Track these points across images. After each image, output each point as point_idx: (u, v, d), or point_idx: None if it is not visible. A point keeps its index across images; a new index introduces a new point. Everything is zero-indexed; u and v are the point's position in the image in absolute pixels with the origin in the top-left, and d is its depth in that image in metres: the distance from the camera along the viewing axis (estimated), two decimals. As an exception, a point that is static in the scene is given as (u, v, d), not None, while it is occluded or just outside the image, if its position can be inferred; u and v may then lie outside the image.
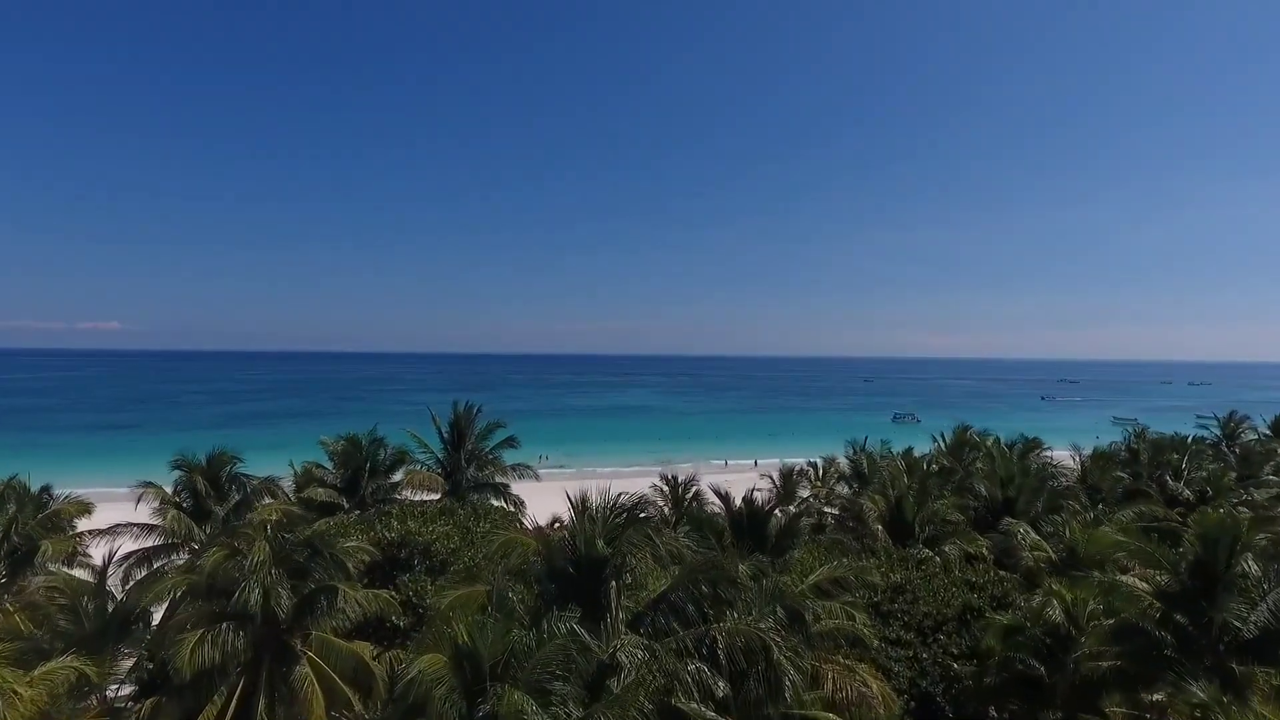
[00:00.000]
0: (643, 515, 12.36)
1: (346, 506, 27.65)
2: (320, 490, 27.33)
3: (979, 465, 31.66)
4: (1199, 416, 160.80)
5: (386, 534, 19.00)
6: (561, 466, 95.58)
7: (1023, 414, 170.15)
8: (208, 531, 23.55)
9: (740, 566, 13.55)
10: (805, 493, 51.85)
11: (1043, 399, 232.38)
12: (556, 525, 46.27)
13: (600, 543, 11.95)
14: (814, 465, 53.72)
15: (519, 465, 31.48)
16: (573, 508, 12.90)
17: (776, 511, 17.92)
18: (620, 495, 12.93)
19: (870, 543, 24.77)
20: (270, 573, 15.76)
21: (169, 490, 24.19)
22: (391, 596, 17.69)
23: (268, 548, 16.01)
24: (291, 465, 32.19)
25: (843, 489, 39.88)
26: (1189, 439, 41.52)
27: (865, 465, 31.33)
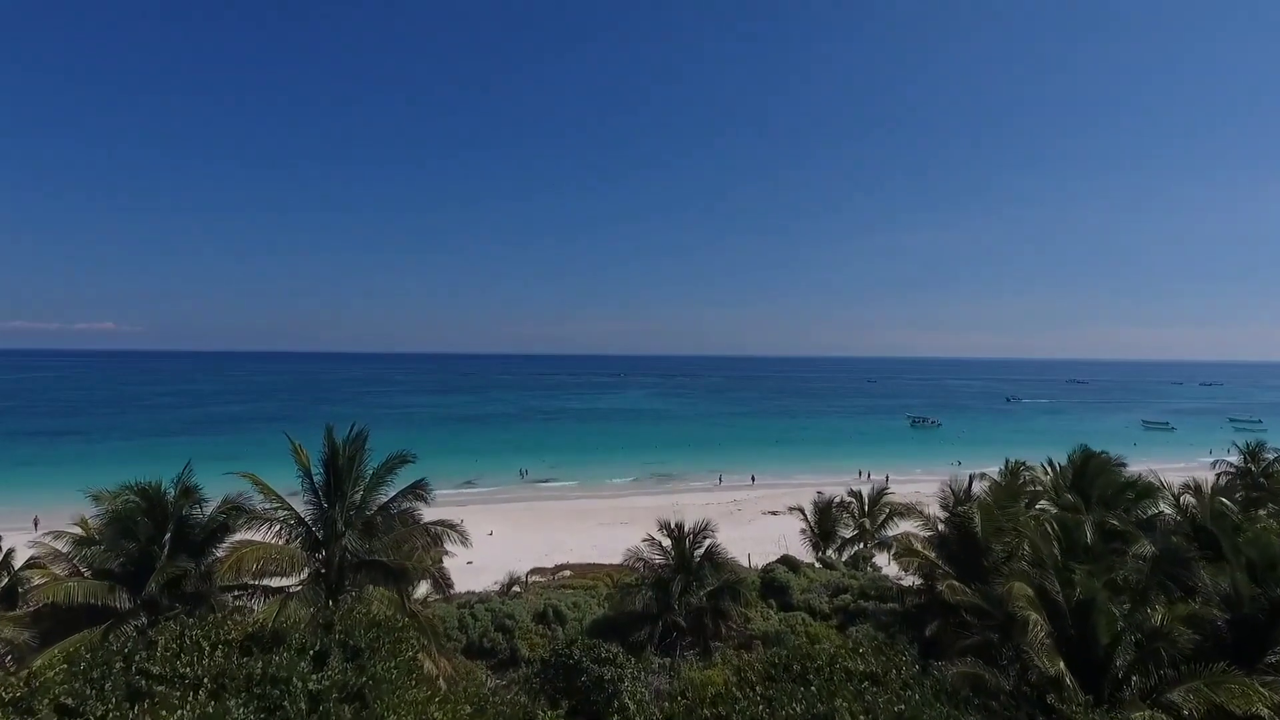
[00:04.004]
0: None
1: (125, 608, 16.11)
2: (75, 584, 15.75)
3: (1173, 531, 19.76)
4: (1233, 419, 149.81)
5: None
6: (546, 481, 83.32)
7: (1045, 418, 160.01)
8: None
9: None
10: (848, 532, 40.22)
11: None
12: (514, 590, 34.81)
13: None
14: (856, 496, 41.89)
15: (438, 524, 19.51)
16: None
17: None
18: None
19: (1046, 693, 13.22)
20: None
21: None
22: None
23: None
24: (83, 524, 20.55)
25: (907, 527, 28.09)
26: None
27: (979, 522, 19.52)
